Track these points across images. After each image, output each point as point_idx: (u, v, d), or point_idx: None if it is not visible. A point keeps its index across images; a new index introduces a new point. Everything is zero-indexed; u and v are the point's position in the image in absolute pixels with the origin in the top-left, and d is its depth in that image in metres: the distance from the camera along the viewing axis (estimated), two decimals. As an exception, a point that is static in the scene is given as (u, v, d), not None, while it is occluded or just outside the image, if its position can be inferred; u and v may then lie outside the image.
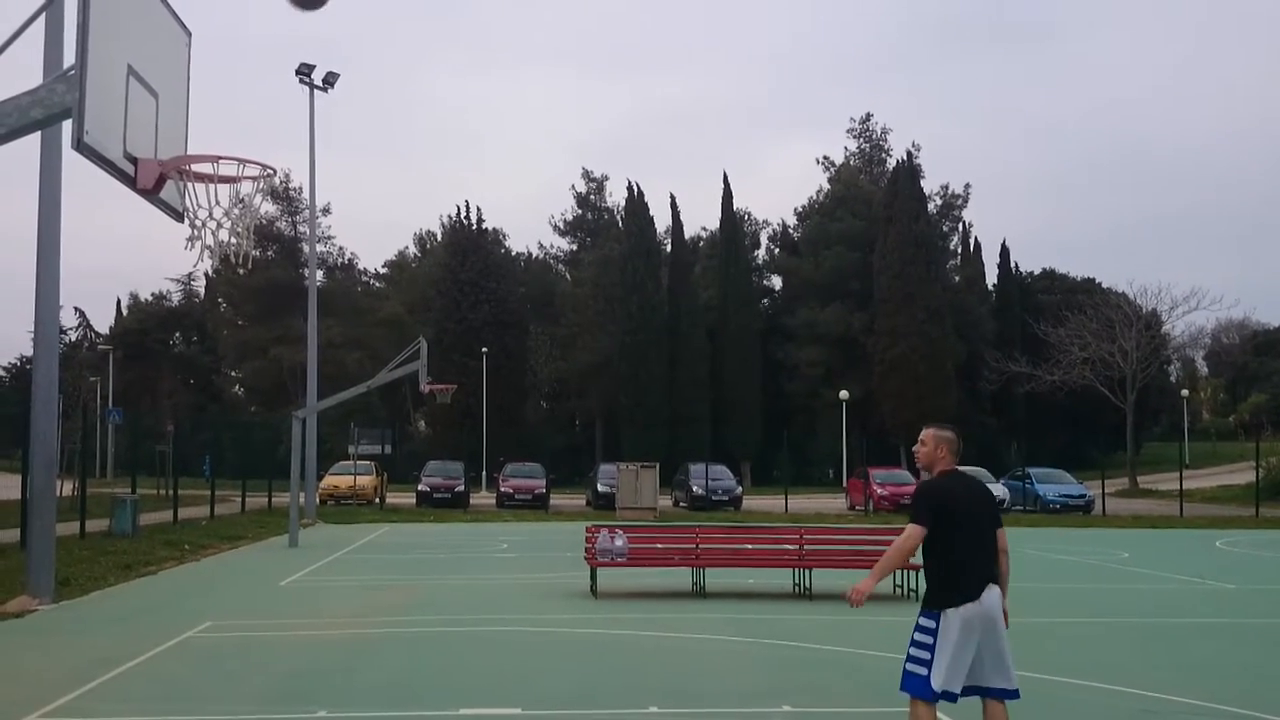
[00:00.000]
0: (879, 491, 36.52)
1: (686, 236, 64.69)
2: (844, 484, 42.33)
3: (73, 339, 77.29)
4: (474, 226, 63.38)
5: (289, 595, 14.64)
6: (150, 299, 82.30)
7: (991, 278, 67.41)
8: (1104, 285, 65.53)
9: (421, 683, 8.78)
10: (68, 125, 6.13)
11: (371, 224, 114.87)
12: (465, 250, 61.91)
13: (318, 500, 33.85)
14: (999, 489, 38.38)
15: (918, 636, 5.82)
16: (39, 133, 10.13)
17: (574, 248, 73.72)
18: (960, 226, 67.84)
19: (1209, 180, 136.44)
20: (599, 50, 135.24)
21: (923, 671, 5.75)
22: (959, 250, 67.32)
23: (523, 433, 60.22)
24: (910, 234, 55.43)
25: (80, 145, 5.97)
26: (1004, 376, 55.11)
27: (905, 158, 59.96)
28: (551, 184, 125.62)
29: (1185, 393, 67.63)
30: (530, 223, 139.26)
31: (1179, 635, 11.86)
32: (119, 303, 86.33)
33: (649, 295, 58.08)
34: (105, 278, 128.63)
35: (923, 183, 60.01)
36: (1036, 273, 71.28)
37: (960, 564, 5.82)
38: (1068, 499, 37.23)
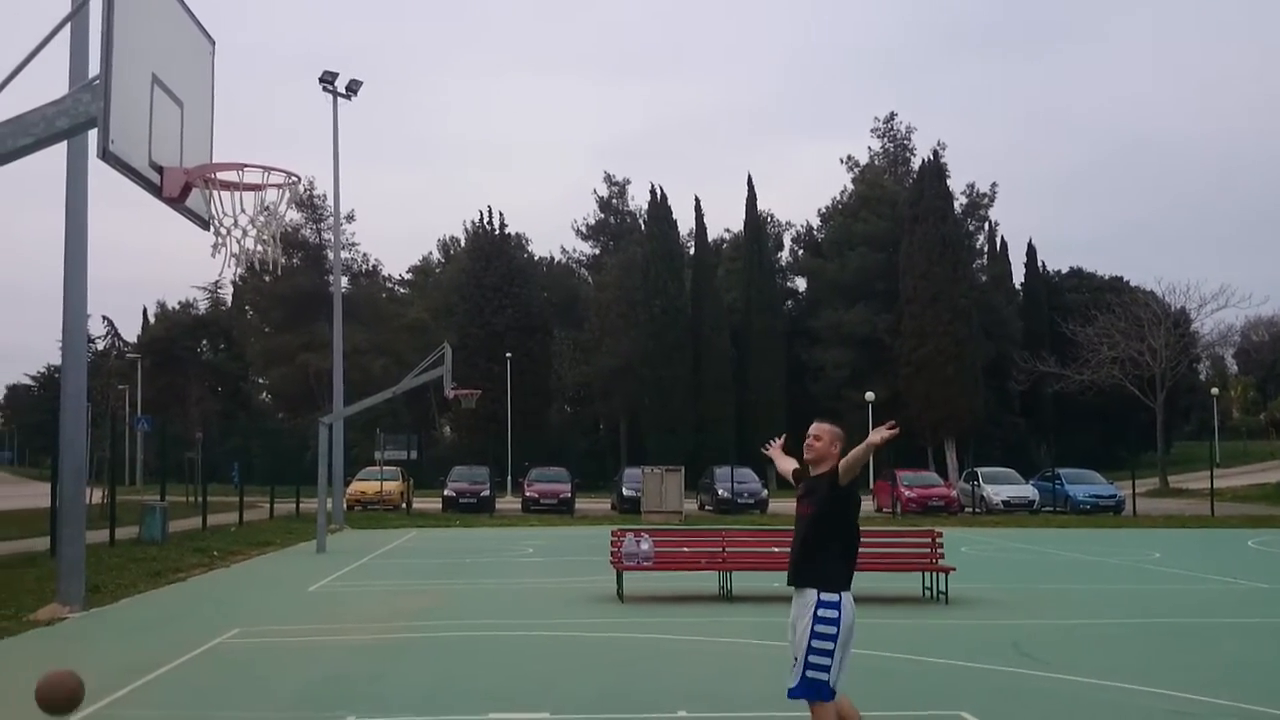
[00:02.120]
0: (907, 494, 36.37)
1: (709, 239, 64.61)
2: (871, 486, 42.16)
3: (101, 348, 77.94)
4: (497, 231, 63.59)
5: (317, 601, 14.68)
6: (177, 307, 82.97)
7: (1019, 277, 67.00)
8: (1132, 283, 65.12)
9: (449, 687, 8.78)
10: (93, 135, 6.16)
11: (395, 230, 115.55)
12: (488, 255, 62.12)
13: (345, 506, 33.98)
14: (1029, 489, 38.21)
15: (820, 628, 5.63)
16: (65, 143, 10.19)
17: (596, 252, 73.85)
18: (986, 226, 67.53)
19: (1238, 176, 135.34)
20: (621, 54, 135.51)
21: (824, 677, 5.60)
22: (985, 250, 66.94)
23: (547, 437, 60.31)
24: (936, 234, 55.14)
25: (106, 154, 5.99)
26: (1032, 376, 54.76)
27: (931, 157, 59.66)
28: (574, 188, 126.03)
29: (1215, 391, 67.01)
30: (553, 227, 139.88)
31: (1212, 635, 11.72)
32: (145, 311, 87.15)
33: (672, 298, 58.08)
34: (132, 287, 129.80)
35: (948, 182, 59.70)
36: (1064, 271, 70.87)
37: (853, 556, 5.98)
38: (1098, 499, 36.97)
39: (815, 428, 6.08)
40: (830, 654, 5.59)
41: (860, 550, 16.80)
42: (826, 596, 5.68)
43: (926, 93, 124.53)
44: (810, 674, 5.56)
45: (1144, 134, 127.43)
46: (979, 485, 38.17)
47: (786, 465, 6.47)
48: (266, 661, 10.04)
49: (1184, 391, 60.30)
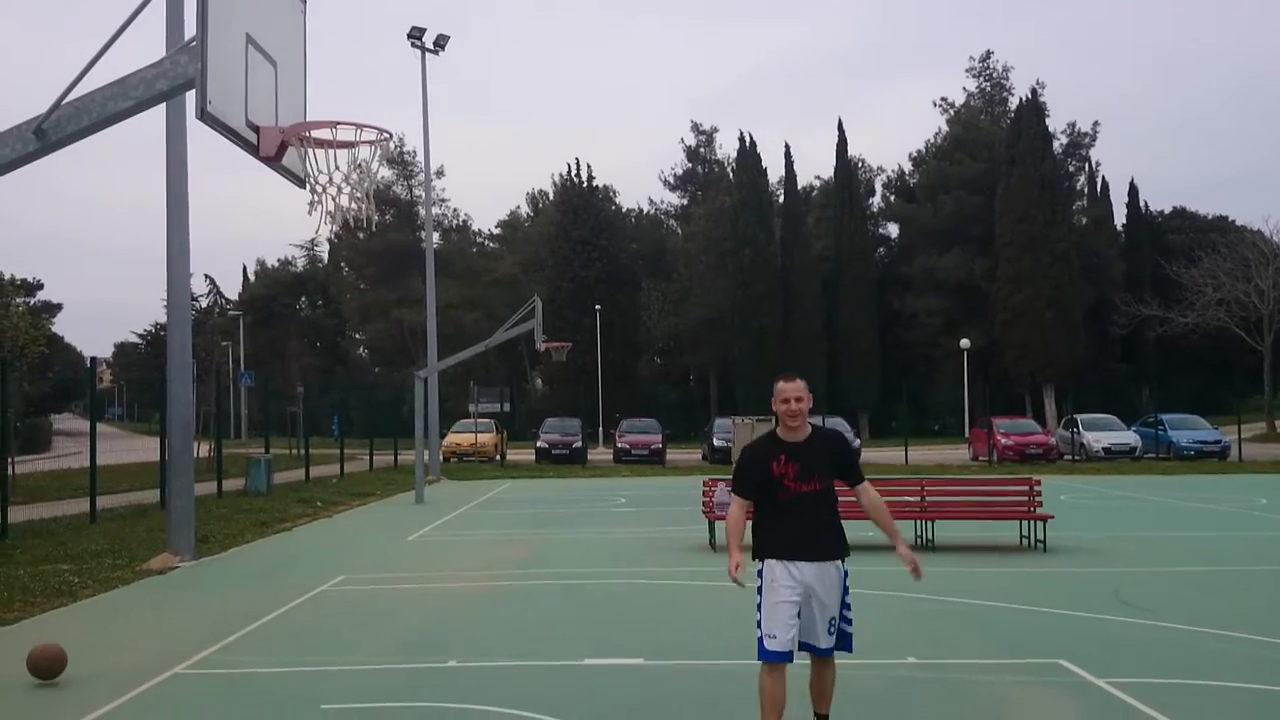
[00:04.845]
0: (1003, 441, 35.81)
1: (799, 186, 63.81)
2: (966, 435, 41.58)
3: (204, 306, 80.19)
4: (585, 184, 63.56)
5: (417, 550, 15.02)
6: (276, 265, 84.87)
7: (1120, 218, 64.99)
8: (1238, 223, 62.82)
9: (546, 634, 8.93)
10: (191, 96, 6.28)
11: (483, 184, 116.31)
12: (577, 208, 62.18)
13: (441, 458, 34.60)
14: (1131, 436, 37.36)
15: (849, 598, 5.77)
16: (164, 104, 10.40)
17: (684, 202, 73.46)
18: (1087, 166, 65.50)
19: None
20: (707, 1, 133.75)
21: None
22: (1085, 190, 65.02)
23: (637, 388, 60.55)
24: (1034, 175, 53.61)
25: (204, 115, 6.11)
26: (1134, 320, 53.33)
27: (1029, 95, 57.95)
28: (661, 139, 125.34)
29: (1327, 333, 64.45)
30: (640, 178, 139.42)
31: (1324, 585, 11.37)
32: (245, 269, 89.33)
33: (761, 247, 57.53)
34: (233, 246, 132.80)
35: (1047, 121, 57.94)
36: (1167, 211, 68.61)
37: None
38: (1202, 445, 36.01)
39: (795, 387, 5.56)
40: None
41: (956, 499, 16.48)
42: (846, 567, 5.75)
43: (1025, 29, 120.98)
44: (847, 629, 5.74)
45: (1251, 69, 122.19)
46: (1079, 432, 37.40)
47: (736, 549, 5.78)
48: (370, 608, 10.31)
49: (1293, 334, 58.26)
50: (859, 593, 10.84)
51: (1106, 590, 10.71)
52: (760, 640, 5.56)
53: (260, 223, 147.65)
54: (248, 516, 18.68)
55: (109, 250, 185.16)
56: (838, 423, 39.11)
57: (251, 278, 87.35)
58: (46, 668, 7.50)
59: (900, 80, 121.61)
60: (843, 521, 5.81)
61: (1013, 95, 64.61)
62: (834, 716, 5.88)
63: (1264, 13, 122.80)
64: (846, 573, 5.72)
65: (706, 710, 6.60)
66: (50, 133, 6.42)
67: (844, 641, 5.71)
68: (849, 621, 5.71)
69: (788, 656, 5.51)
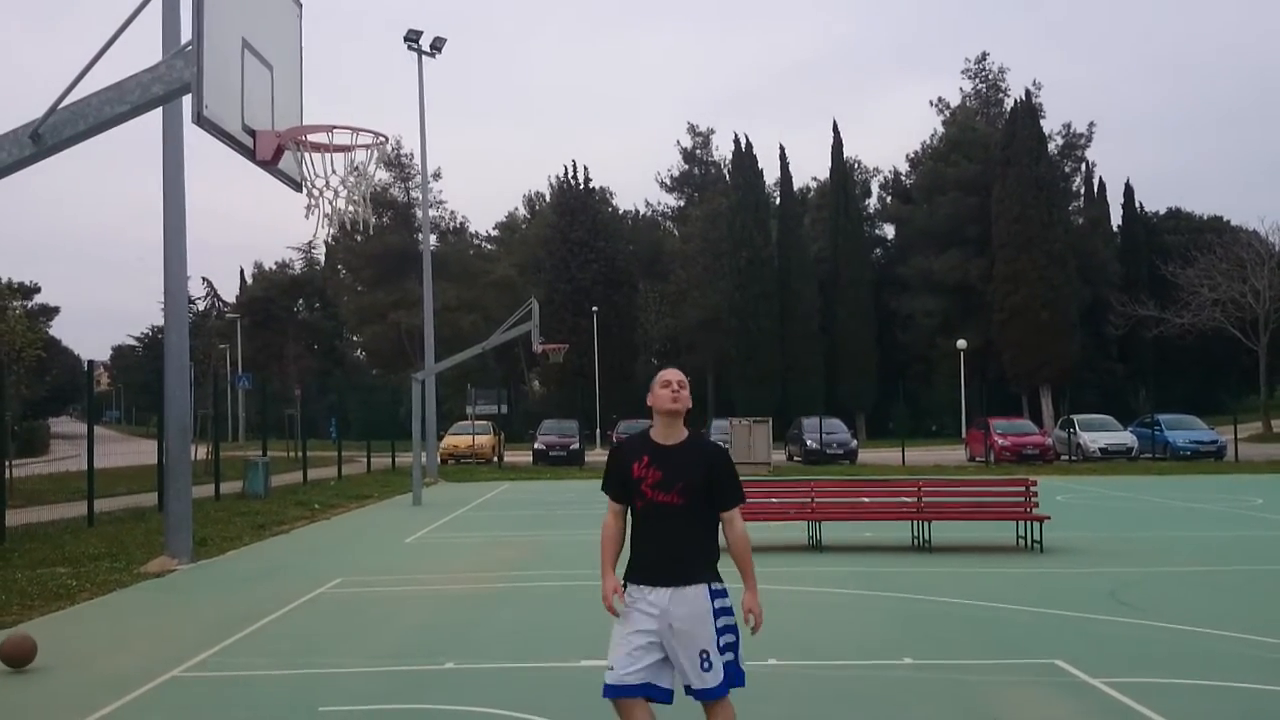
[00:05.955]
0: (1000, 442, 35.84)
1: (795, 188, 63.89)
2: (963, 435, 41.63)
3: (201, 308, 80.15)
4: (581, 186, 63.61)
5: (415, 552, 15.02)
6: (274, 267, 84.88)
7: (1117, 219, 65.10)
8: (1233, 223, 63.00)
9: (544, 635, 8.94)
10: (188, 100, 6.30)
11: (480, 187, 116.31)
12: (573, 210, 62.24)
13: (439, 460, 34.61)
14: (1127, 436, 37.42)
15: (725, 620, 4.84)
16: (160, 109, 10.40)
17: (681, 203, 73.52)
18: (1083, 167, 65.65)
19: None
20: (701, 4, 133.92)
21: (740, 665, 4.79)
22: (1081, 191, 65.15)
23: (634, 390, 60.49)
24: (1030, 176, 53.77)
25: (200, 119, 6.13)
26: (1130, 321, 53.43)
27: (1024, 97, 58.08)
28: (657, 141, 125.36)
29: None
30: (637, 180, 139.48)
31: (1320, 584, 11.40)
32: (242, 272, 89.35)
33: (758, 249, 57.63)
34: (230, 249, 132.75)
35: (1043, 122, 58.12)
36: (1163, 212, 68.75)
37: None
38: (1198, 445, 36.08)
39: (675, 373, 4.92)
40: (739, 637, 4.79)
41: (953, 500, 16.42)
42: (718, 586, 4.85)
43: (1021, 31, 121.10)
44: (730, 660, 4.81)
45: (1248, 71, 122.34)
46: (1075, 432, 37.43)
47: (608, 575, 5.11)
48: (368, 610, 10.32)
49: (1288, 333, 58.38)
50: (855, 593, 10.92)
51: (1103, 590, 10.74)
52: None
53: (257, 226, 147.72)
54: (245, 519, 18.68)
55: (106, 254, 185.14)
56: (834, 423, 39.17)
57: (249, 280, 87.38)
58: (16, 655, 7.55)
59: (896, 82, 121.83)
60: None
61: (1008, 96, 64.84)
62: (830, 717, 5.88)
63: (1259, 13, 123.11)
64: (721, 593, 4.84)
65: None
66: (47, 137, 6.44)
67: (732, 676, 4.79)
68: (732, 650, 4.77)
69: (631, 691, 4.77)
